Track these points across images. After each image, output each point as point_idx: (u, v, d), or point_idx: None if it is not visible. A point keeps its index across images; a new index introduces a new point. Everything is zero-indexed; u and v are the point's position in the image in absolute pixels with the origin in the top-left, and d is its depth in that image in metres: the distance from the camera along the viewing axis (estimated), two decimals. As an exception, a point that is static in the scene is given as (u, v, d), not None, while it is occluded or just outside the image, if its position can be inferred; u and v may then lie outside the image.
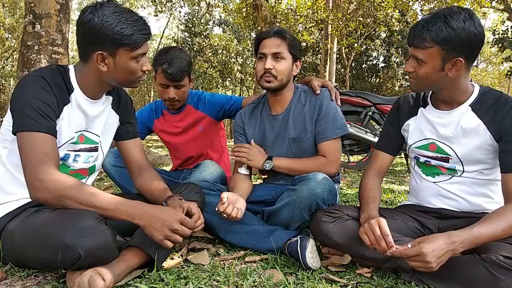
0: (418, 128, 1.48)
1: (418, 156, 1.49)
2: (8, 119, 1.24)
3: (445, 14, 1.21)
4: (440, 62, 1.24)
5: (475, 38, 1.20)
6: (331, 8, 9.52)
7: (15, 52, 19.04)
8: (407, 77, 1.39)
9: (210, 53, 16.89)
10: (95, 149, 1.43)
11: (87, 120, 1.37)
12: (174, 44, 17.65)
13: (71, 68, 1.33)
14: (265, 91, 1.77)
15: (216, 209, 1.46)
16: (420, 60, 1.26)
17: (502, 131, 1.28)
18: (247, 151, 1.73)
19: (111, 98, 1.46)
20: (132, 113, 1.58)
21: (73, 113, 1.31)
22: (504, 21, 14.36)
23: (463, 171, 1.39)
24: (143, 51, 1.29)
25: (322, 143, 1.68)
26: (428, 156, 1.46)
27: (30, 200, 1.26)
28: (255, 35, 15.39)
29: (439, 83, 1.31)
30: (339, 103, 1.74)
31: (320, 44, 12.87)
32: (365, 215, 1.33)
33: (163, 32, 22.45)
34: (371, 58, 18.37)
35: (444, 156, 1.41)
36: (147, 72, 1.35)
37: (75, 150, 1.36)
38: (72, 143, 1.33)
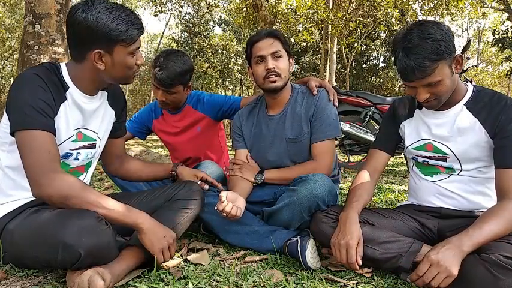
0: (415, 130, 1.49)
1: (416, 156, 1.51)
2: (5, 121, 1.22)
3: (420, 34, 1.24)
4: (449, 68, 1.28)
5: (451, 33, 1.28)
6: (331, 8, 9.52)
7: (15, 52, 19.02)
8: None
9: (210, 53, 16.87)
10: (93, 146, 1.42)
11: (84, 117, 1.36)
12: (174, 44, 17.61)
13: (63, 65, 1.31)
14: (262, 91, 1.76)
15: (216, 207, 1.46)
16: (435, 82, 1.27)
17: (497, 128, 1.31)
18: (240, 167, 1.76)
19: (106, 93, 1.45)
20: (125, 110, 1.59)
21: (70, 111, 1.30)
22: (504, 21, 14.35)
23: (461, 169, 1.41)
24: (138, 46, 1.29)
25: (315, 144, 1.68)
26: (426, 157, 1.47)
27: (30, 200, 1.26)
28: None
29: (454, 87, 1.34)
30: (336, 104, 1.74)
31: (320, 44, 12.86)
32: (343, 214, 1.35)
33: (163, 32, 22.42)
34: (371, 58, 18.36)
35: (442, 155, 1.42)
36: (141, 67, 1.35)
37: (76, 149, 1.35)
38: (72, 141, 1.33)
